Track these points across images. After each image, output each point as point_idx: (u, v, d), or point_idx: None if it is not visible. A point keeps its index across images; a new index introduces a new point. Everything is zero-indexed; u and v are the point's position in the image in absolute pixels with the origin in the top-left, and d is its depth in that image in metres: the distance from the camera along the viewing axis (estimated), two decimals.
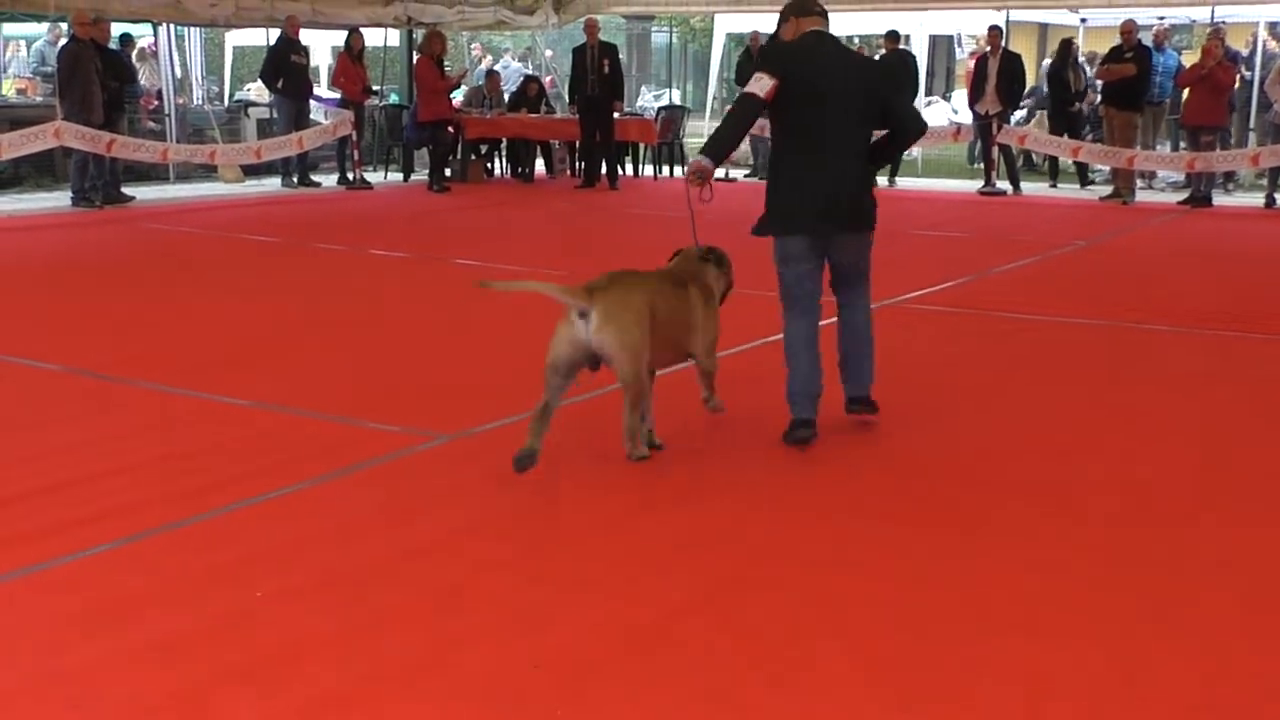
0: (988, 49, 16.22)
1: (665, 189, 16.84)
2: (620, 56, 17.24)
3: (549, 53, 23.01)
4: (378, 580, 3.77)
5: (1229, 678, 3.24)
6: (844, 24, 17.64)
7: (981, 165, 17.04)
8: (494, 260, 10.10)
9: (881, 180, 16.37)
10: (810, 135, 5.17)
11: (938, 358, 6.93)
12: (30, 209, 13.49)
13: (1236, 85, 16.37)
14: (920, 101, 19.44)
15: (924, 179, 18.07)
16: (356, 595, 3.66)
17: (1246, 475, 4.94)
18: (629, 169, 17.90)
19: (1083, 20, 20.54)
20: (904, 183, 17.29)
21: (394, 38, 18.98)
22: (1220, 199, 15.32)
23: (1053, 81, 16.64)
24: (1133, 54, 15.11)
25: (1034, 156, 18.38)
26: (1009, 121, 15.95)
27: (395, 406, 5.71)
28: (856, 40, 22.16)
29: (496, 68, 21.03)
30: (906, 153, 17.71)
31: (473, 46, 24.38)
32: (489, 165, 18.10)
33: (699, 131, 21.85)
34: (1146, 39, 15.85)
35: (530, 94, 18.27)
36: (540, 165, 18.26)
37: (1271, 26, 18.11)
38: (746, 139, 13.58)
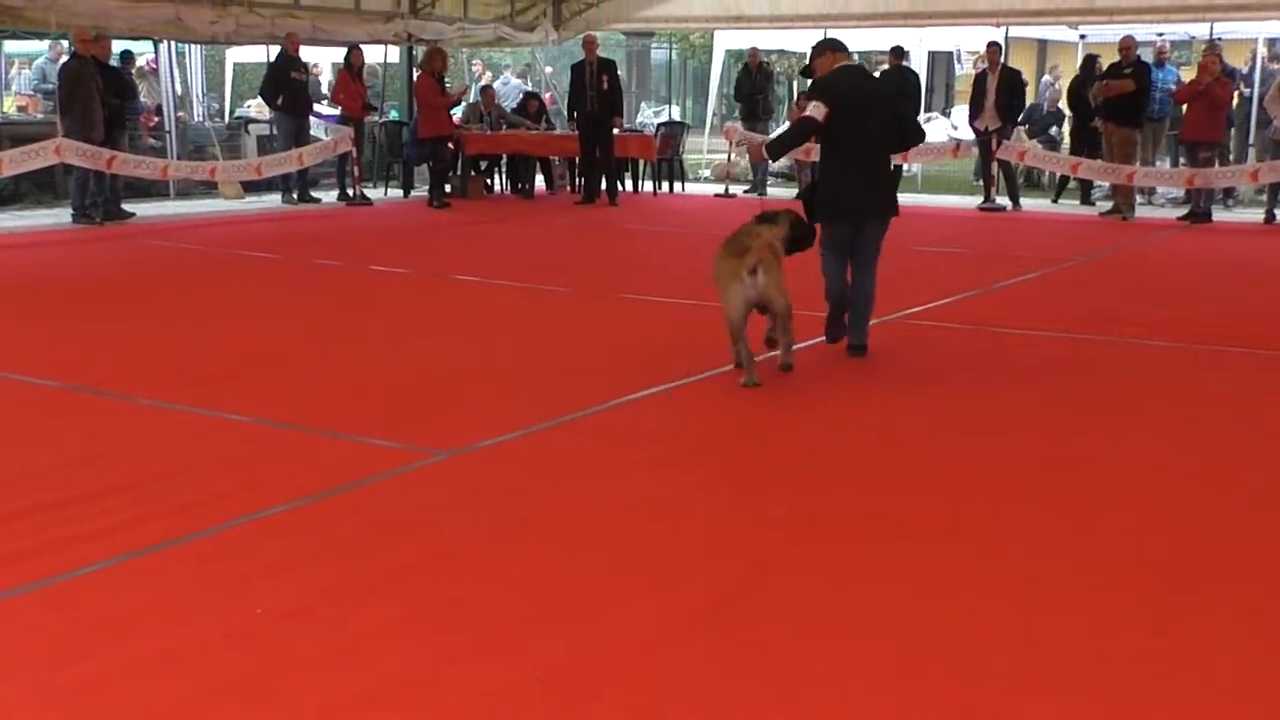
0: (986, 65, 16.25)
1: (665, 205, 16.87)
2: (619, 72, 17.29)
3: (549, 69, 23.06)
4: (378, 596, 3.76)
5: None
6: (846, 41, 17.65)
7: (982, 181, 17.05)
8: (494, 276, 10.10)
9: None
10: (851, 144, 6.92)
11: (938, 371, 6.92)
12: (31, 225, 13.51)
13: (1236, 102, 16.41)
14: (920, 117, 19.49)
15: (924, 195, 18.07)
16: (357, 611, 3.64)
17: (1247, 490, 4.93)
18: (629, 185, 17.92)
19: (1082, 36, 20.58)
20: (904, 199, 17.09)
21: (394, 54, 19.01)
22: (1220, 215, 15.33)
23: (1075, 97, 16.65)
24: (1132, 70, 15.14)
25: (1035, 174, 18.41)
26: (1009, 137, 15.97)
27: (394, 423, 5.70)
28: (856, 56, 22.15)
29: (496, 84, 21.04)
30: (907, 169, 17.77)
31: (473, 63, 24.41)
32: (489, 181, 18.13)
33: (698, 148, 21.93)
34: (1147, 55, 15.88)
35: (531, 110, 18.31)
36: (540, 181, 18.29)
37: (1270, 43, 18.15)
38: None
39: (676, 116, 24.15)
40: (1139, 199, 15.86)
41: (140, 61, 18.21)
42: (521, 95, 19.70)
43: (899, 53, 16.97)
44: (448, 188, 16.62)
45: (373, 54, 18.28)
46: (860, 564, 4.09)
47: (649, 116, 25.65)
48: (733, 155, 18.16)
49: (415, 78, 17.16)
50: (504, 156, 18.11)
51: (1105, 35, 18.75)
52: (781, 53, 25.68)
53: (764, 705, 3.12)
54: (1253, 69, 17.50)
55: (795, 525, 4.46)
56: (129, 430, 5.61)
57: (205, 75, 21.07)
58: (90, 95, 13.23)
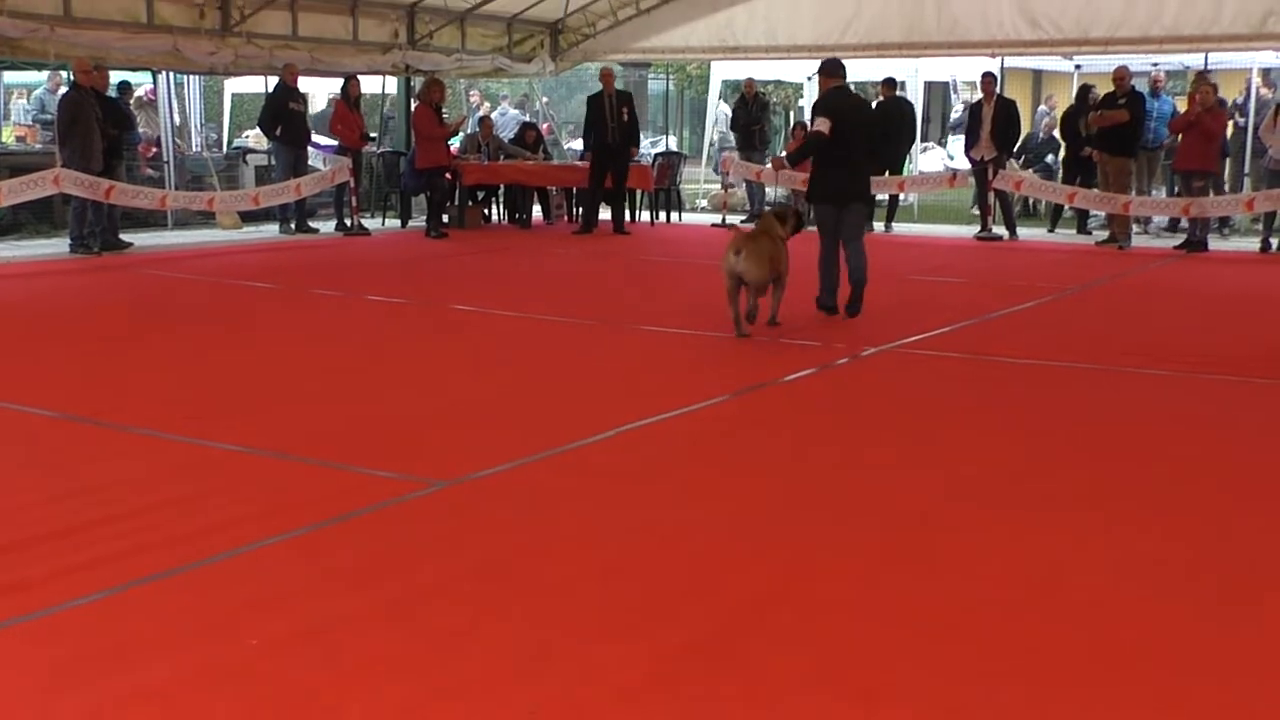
0: (982, 95, 16.32)
1: (662, 234, 16.90)
2: None
3: (545, 99, 23.12)
4: (373, 628, 3.74)
5: None
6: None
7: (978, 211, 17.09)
8: (492, 305, 10.10)
9: (878, 225, 16.47)
10: (842, 148, 9.17)
11: (933, 402, 6.92)
12: (29, 255, 13.52)
13: (1230, 132, 16.48)
14: (916, 148, 19.56)
15: (920, 224, 18.12)
16: (352, 643, 3.62)
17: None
18: (627, 215, 17.95)
19: (1077, 67, 20.67)
20: (901, 228, 17.34)
21: (392, 85, 19.08)
22: (1216, 244, 15.37)
23: (1067, 126, 16.70)
24: (1126, 100, 15.20)
25: (1032, 203, 18.47)
26: (1005, 167, 16.02)
27: (392, 453, 5.69)
28: (852, 86, 22.21)
29: (493, 115, 21.10)
30: (904, 198, 17.82)
31: (471, 94, 24.49)
32: (486, 211, 18.15)
33: (695, 177, 21.99)
34: (1142, 86, 15.93)
35: (528, 141, 18.37)
36: (537, 211, 18.32)
37: (1264, 73, 18.23)
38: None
39: (674, 146, 24.22)
40: (1134, 228, 15.90)
41: (139, 92, 18.27)
42: (519, 125, 19.76)
43: (891, 84, 17.07)
44: (445, 218, 16.65)
45: (370, 85, 18.34)
46: (860, 602, 4.08)
47: (646, 147, 25.70)
48: (729, 185, 18.24)
49: (413, 108, 17.22)
50: (501, 186, 18.16)
51: (1100, 65, 18.84)
52: (778, 83, 25.80)
53: None
54: (1247, 98, 17.57)
55: (793, 562, 4.45)
56: (125, 460, 5.59)
57: (203, 106, 21.13)
58: (90, 126, 13.27)
